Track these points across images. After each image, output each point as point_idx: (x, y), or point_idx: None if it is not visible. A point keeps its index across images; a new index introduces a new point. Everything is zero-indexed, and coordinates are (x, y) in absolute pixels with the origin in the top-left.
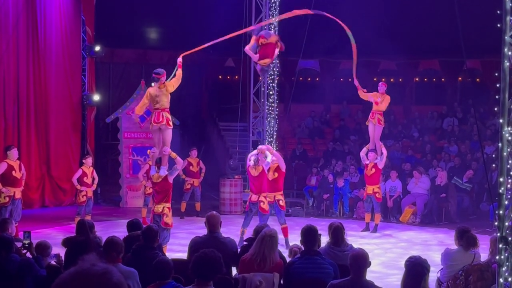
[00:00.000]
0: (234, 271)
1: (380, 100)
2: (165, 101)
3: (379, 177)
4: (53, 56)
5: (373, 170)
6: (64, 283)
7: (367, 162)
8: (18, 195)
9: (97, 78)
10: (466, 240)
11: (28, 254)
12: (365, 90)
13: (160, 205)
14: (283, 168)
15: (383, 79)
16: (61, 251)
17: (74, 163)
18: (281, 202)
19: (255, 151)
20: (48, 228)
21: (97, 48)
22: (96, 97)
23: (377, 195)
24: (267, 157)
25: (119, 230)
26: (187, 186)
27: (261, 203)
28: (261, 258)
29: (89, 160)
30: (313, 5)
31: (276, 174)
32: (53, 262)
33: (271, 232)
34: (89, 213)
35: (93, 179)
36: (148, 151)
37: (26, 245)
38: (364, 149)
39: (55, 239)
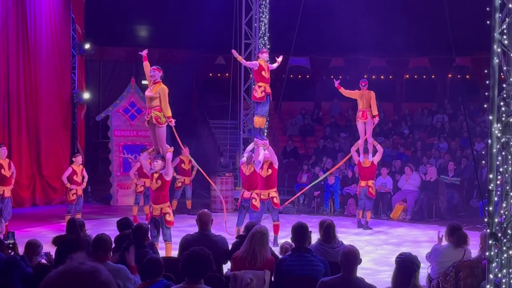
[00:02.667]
0: (225, 268)
1: (365, 99)
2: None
3: (375, 171)
4: (43, 54)
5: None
6: (52, 281)
7: (362, 160)
8: (8, 193)
9: (87, 76)
10: (457, 238)
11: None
12: (342, 88)
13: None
14: (276, 164)
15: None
16: (51, 249)
17: (65, 161)
18: (275, 200)
19: (250, 146)
20: (38, 226)
21: (87, 46)
22: (86, 95)
23: (370, 189)
24: (260, 154)
25: (110, 228)
26: (178, 184)
27: (253, 200)
28: (252, 255)
29: (79, 158)
30: (303, 4)
31: (270, 171)
32: (43, 261)
33: (262, 228)
34: (79, 211)
35: (83, 177)
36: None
37: (10, 245)
38: (355, 147)
39: (45, 238)
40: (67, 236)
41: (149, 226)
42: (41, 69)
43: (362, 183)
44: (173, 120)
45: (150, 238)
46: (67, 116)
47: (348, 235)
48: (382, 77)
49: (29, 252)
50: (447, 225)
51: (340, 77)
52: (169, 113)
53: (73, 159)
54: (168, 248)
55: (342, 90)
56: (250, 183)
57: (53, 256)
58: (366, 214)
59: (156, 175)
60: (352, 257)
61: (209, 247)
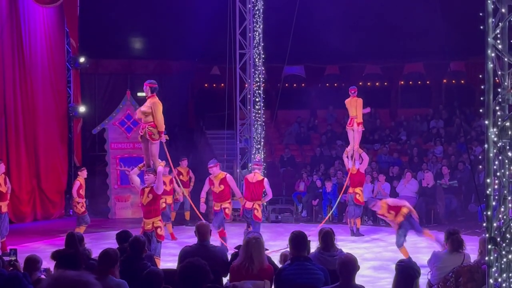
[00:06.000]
0: (224, 280)
1: (353, 108)
2: None
3: (363, 179)
4: (38, 68)
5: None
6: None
7: (351, 166)
8: (4, 209)
9: (83, 89)
10: (451, 243)
11: None
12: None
13: None
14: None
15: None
16: (50, 264)
17: (63, 175)
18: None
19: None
20: (37, 241)
21: (82, 59)
22: (82, 109)
23: (357, 196)
24: None
25: (108, 241)
26: (177, 196)
27: (255, 211)
28: (249, 263)
29: (84, 172)
30: (297, 13)
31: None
32: (43, 276)
33: (256, 236)
34: (86, 223)
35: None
36: None
37: (12, 263)
38: (345, 154)
39: (44, 253)
40: (66, 250)
41: None
42: (37, 84)
43: (350, 190)
44: (164, 137)
45: (147, 251)
46: (63, 130)
47: (347, 243)
48: (377, 83)
49: (29, 268)
50: (445, 230)
51: (336, 84)
52: (163, 128)
53: (79, 173)
54: (157, 263)
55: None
56: (253, 192)
57: (53, 272)
58: (356, 221)
59: (147, 190)
60: (349, 265)
61: (208, 258)
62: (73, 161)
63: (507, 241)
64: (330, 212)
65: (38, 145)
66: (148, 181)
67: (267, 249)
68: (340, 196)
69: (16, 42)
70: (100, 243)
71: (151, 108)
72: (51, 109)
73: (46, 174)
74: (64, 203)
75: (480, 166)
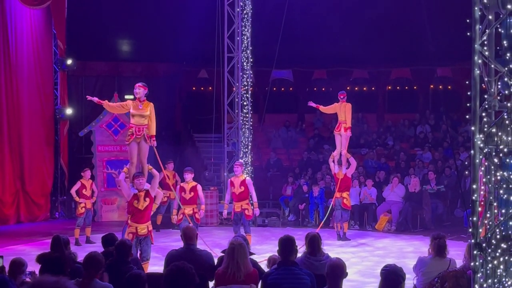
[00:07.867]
0: (211, 284)
1: (342, 112)
2: None
3: (349, 183)
4: (25, 70)
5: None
6: None
7: (337, 171)
8: None
9: (70, 91)
10: (433, 247)
11: None
12: (320, 106)
13: None
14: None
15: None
16: (35, 267)
17: (49, 177)
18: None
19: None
20: (22, 244)
21: (69, 61)
22: (69, 111)
23: (344, 200)
24: None
25: (94, 244)
26: (164, 199)
27: (246, 211)
28: (235, 269)
29: (87, 173)
30: (285, 17)
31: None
32: (27, 280)
33: (239, 241)
34: (89, 224)
35: (93, 191)
36: None
37: None
38: (331, 158)
39: (29, 255)
40: (51, 254)
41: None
42: (23, 85)
43: (337, 194)
44: (155, 141)
45: (133, 254)
46: (49, 132)
47: (333, 247)
48: (364, 88)
49: (14, 271)
50: (430, 235)
51: (323, 88)
52: (154, 132)
53: (82, 174)
54: (146, 267)
55: (322, 108)
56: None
57: (38, 275)
58: (343, 225)
59: (142, 194)
60: (338, 269)
61: (195, 262)
62: (59, 163)
63: (492, 246)
64: (325, 217)
65: (22, 147)
66: (142, 185)
67: (253, 253)
68: (327, 202)
69: (2, 43)
70: (86, 246)
71: (150, 111)
72: (37, 111)
73: (31, 177)
74: (50, 205)
75: (466, 172)
